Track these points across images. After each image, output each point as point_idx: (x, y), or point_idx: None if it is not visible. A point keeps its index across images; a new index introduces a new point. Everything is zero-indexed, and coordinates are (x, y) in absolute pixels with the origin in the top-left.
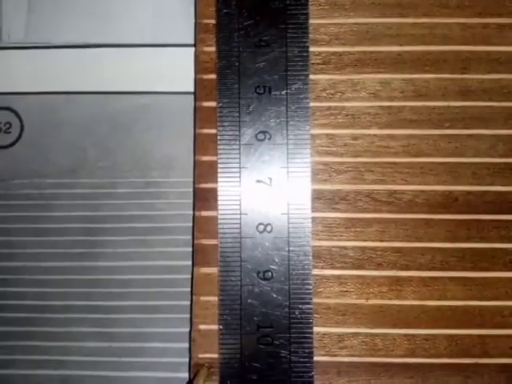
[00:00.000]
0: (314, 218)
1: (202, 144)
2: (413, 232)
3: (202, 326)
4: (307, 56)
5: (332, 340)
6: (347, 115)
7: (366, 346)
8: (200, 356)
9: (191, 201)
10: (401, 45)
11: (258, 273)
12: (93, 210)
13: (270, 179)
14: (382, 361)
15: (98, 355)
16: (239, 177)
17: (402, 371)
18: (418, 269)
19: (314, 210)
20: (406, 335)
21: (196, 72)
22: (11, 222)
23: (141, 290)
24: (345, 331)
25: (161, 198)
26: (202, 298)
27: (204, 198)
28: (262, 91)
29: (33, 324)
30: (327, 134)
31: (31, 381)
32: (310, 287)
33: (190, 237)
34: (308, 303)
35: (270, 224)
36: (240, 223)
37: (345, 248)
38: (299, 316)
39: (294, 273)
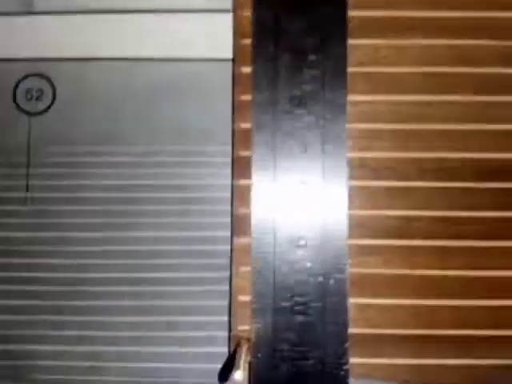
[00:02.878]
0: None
1: (239, 111)
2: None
3: (241, 298)
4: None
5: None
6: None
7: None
8: (240, 328)
9: (229, 171)
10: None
11: (291, 241)
12: (129, 178)
13: (306, 147)
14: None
15: (135, 330)
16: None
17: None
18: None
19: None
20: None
21: (235, 38)
22: (47, 191)
23: (181, 262)
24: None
25: (199, 167)
26: (241, 269)
27: (243, 166)
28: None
29: (74, 296)
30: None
31: None
32: (346, 257)
33: (229, 207)
34: (343, 272)
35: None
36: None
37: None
38: (334, 285)
39: (328, 241)
